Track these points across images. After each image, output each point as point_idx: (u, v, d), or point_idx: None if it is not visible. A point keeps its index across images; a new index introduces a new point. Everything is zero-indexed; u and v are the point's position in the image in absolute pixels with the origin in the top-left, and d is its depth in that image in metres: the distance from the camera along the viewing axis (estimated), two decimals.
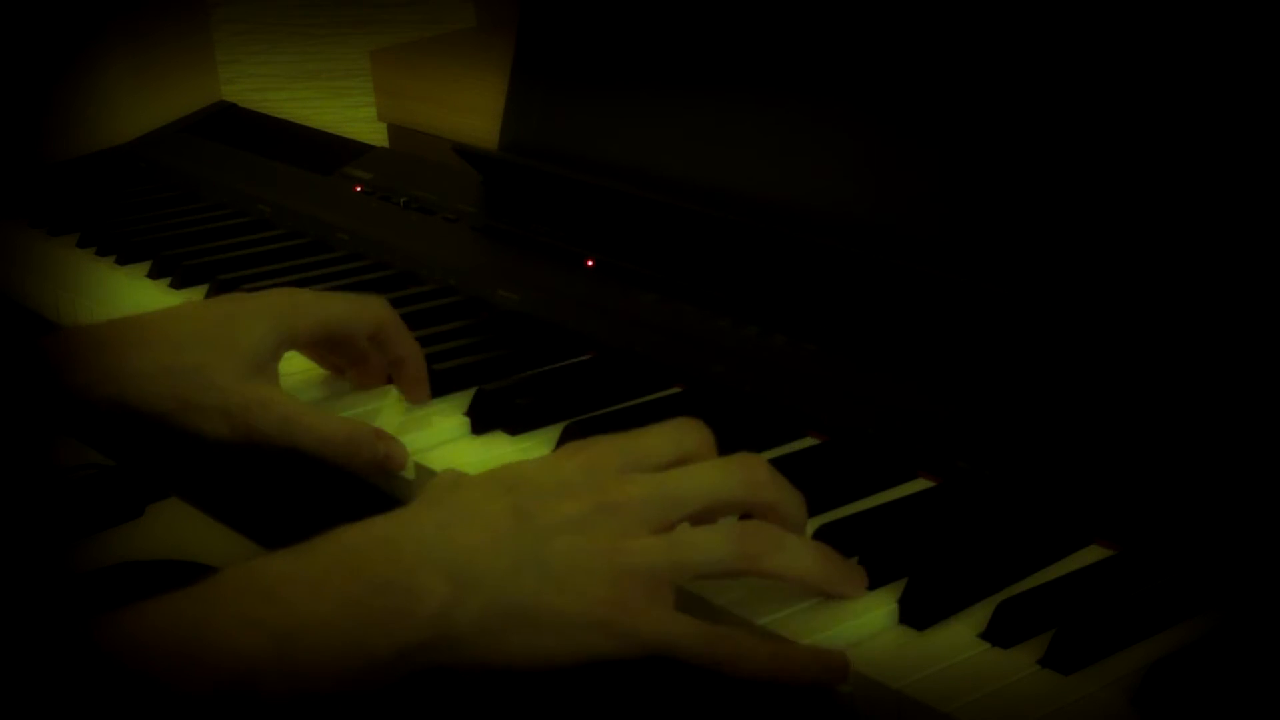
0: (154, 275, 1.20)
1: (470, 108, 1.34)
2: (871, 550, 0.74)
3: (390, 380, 0.96)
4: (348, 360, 0.98)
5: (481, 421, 0.92)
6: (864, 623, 0.71)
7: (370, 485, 0.90)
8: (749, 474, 0.73)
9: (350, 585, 0.65)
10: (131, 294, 1.18)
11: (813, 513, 0.79)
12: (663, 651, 0.68)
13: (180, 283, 1.17)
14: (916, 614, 0.71)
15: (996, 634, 0.69)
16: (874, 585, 0.73)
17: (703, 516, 0.72)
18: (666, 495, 0.71)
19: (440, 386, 0.95)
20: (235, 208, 1.34)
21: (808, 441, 0.88)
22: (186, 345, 0.89)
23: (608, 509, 0.69)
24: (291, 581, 0.65)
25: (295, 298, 0.94)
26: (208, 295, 1.15)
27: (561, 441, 0.88)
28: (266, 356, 0.91)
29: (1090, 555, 0.75)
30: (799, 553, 0.71)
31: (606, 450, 0.73)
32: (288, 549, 0.67)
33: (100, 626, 0.62)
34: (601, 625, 0.68)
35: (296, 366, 0.99)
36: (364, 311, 0.93)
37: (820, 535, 0.76)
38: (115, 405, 0.88)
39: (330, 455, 0.88)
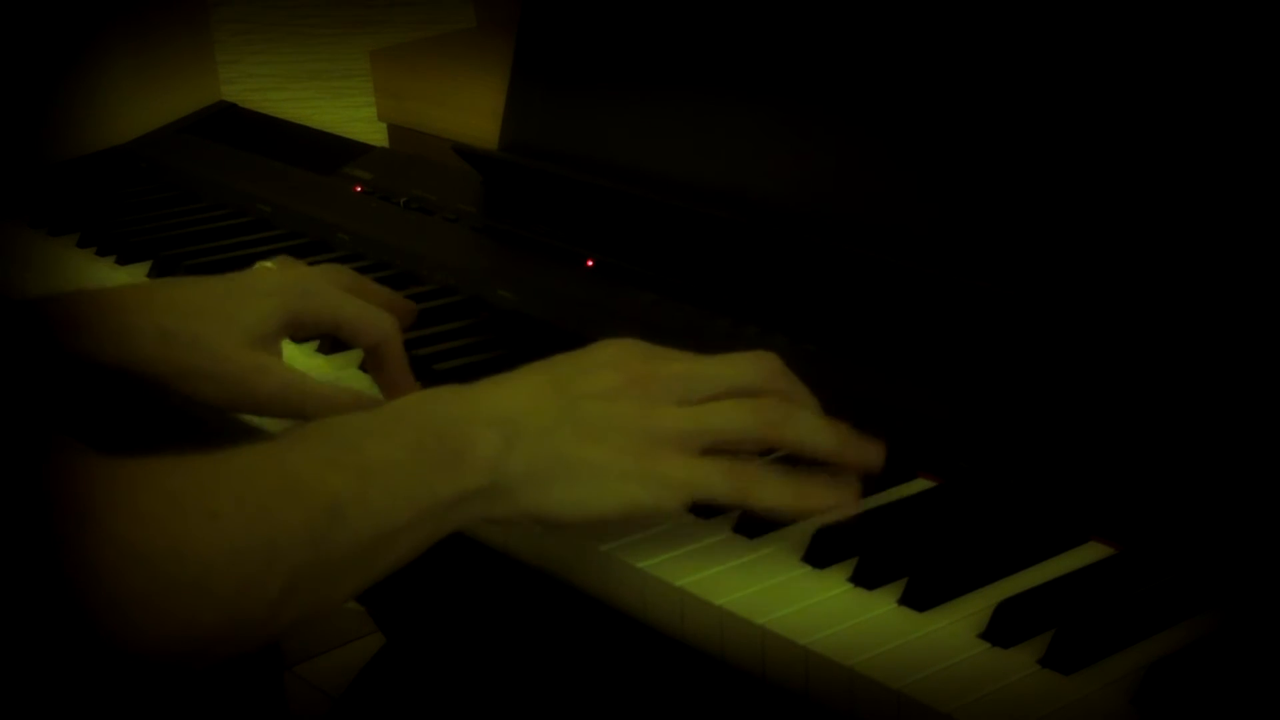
0: (154, 275, 1.20)
1: (470, 108, 1.34)
2: (872, 550, 0.74)
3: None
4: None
5: None
6: (864, 621, 0.71)
7: None
8: (766, 364, 0.80)
9: (415, 434, 0.72)
10: None
11: None
12: (693, 492, 0.75)
13: None
14: (918, 597, 0.71)
15: (996, 634, 0.69)
16: (874, 585, 0.73)
17: (722, 399, 0.78)
18: (689, 375, 0.78)
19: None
20: (235, 208, 1.34)
21: None
22: (188, 313, 0.89)
23: (636, 383, 0.76)
24: (365, 431, 0.72)
25: (310, 285, 0.93)
26: None
27: None
28: (270, 332, 0.90)
29: (1090, 554, 0.75)
30: (814, 424, 0.78)
31: (637, 342, 0.80)
32: (359, 411, 0.75)
33: (198, 464, 0.67)
34: (636, 474, 0.74)
35: (290, 353, 0.99)
36: (372, 326, 0.92)
37: (820, 536, 0.76)
38: (113, 368, 0.88)
39: None
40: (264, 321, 0.90)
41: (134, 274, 1.21)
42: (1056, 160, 0.89)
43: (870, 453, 0.79)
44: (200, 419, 0.96)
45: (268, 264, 0.95)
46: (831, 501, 0.77)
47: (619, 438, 0.74)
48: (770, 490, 0.76)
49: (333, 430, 0.73)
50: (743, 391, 0.78)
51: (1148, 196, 0.85)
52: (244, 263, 1.18)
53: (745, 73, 1.07)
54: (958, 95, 0.94)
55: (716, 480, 0.75)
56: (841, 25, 1.01)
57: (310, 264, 1.18)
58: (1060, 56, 0.90)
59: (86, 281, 1.21)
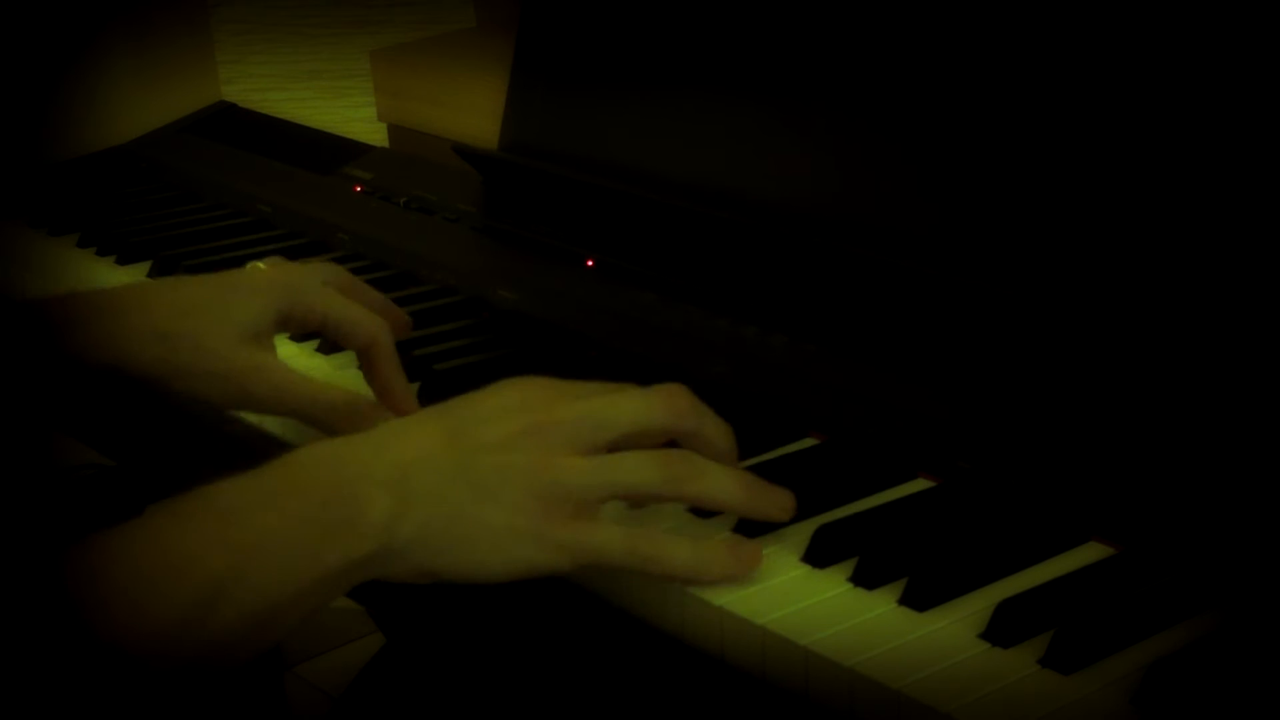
0: (154, 275, 1.20)
1: (470, 108, 1.34)
2: (872, 550, 0.74)
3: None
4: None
5: None
6: (864, 621, 0.71)
7: None
8: (672, 402, 0.76)
9: (300, 502, 0.69)
10: None
11: (812, 512, 0.79)
12: (592, 558, 0.72)
13: None
14: (918, 597, 0.71)
15: (996, 634, 0.69)
16: (874, 585, 0.73)
17: (628, 443, 0.75)
18: (592, 419, 0.74)
19: (440, 387, 0.95)
20: (235, 208, 1.34)
21: (808, 441, 0.88)
22: (183, 312, 0.89)
23: (535, 430, 0.73)
24: (248, 500, 0.69)
25: (301, 284, 0.92)
26: None
27: None
28: (263, 328, 0.91)
29: (1090, 554, 0.75)
30: (721, 478, 0.75)
31: (540, 382, 0.77)
32: (242, 472, 0.71)
33: (72, 559, 0.66)
34: (532, 536, 0.71)
35: (290, 352, 1.00)
36: (359, 327, 0.91)
37: (820, 535, 0.76)
38: (111, 369, 0.89)
39: (326, 422, 0.88)
40: (257, 318, 0.90)
41: (134, 274, 1.21)
42: (1057, 160, 0.89)
43: (778, 502, 0.77)
44: (198, 417, 0.96)
45: (259, 264, 0.96)
46: (731, 570, 0.74)
47: (516, 495, 0.71)
48: (669, 559, 0.73)
49: (218, 502, 0.70)
50: (650, 432, 0.75)
51: (1147, 196, 0.85)
52: (244, 263, 1.19)
53: (745, 72, 1.07)
54: (957, 95, 0.94)
55: (615, 546, 0.73)
56: (841, 25, 1.01)
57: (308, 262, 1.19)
58: (1060, 56, 0.90)
59: (87, 282, 1.21)
